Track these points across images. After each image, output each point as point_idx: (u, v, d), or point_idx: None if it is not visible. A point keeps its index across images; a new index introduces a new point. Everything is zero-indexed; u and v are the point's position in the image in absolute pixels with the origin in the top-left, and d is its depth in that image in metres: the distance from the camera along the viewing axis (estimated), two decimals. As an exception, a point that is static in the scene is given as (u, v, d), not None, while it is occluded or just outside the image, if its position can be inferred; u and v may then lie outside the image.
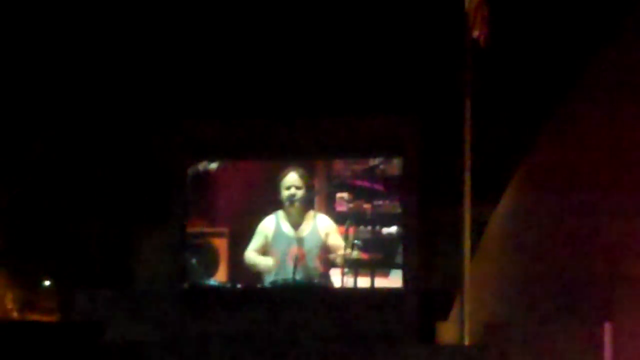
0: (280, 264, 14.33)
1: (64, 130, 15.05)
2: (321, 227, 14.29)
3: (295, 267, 14.26)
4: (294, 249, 14.31)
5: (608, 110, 12.70)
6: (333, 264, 14.22)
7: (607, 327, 12.16)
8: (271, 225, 14.37)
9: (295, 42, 14.53)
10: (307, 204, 14.35)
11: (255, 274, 14.40)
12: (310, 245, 14.29)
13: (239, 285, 14.40)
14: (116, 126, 14.87)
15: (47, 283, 15.68)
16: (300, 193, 14.25)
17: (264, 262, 14.34)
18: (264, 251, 14.36)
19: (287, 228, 14.34)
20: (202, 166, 14.57)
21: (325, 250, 14.24)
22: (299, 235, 14.33)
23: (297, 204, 14.26)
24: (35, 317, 15.30)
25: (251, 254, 14.35)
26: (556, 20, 13.80)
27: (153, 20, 14.65)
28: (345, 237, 14.12)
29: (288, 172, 14.26)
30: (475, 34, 12.67)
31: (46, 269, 15.56)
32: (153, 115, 14.70)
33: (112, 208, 14.96)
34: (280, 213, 14.36)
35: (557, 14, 13.78)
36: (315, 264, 14.27)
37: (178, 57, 14.66)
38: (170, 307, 14.12)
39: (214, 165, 14.57)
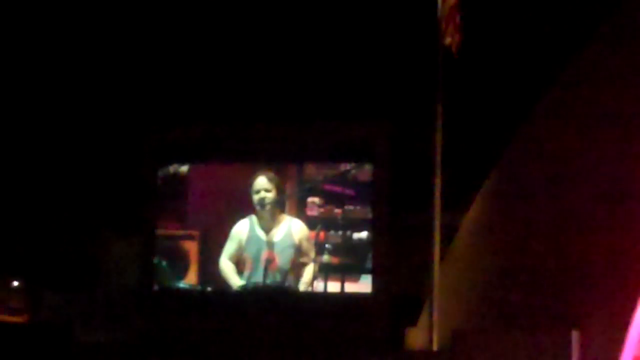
0: (253, 268, 14.29)
1: (33, 132, 15.01)
2: (295, 231, 14.25)
3: (266, 270, 14.22)
4: (266, 253, 14.28)
5: (581, 118, 12.75)
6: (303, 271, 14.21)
7: (575, 335, 12.20)
8: (245, 229, 14.32)
9: (266, 46, 14.55)
10: (279, 208, 14.31)
11: (225, 278, 14.39)
12: (282, 250, 14.26)
13: (209, 288, 14.37)
14: (86, 128, 14.84)
15: (15, 283, 15.62)
16: (270, 196, 14.20)
17: (233, 281, 14.28)
18: (239, 256, 14.31)
19: (260, 232, 14.31)
20: (172, 169, 14.55)
21: (298, 255, 14.21)
22: (270, 239, 14.29)
23: (268, 207, 14.22)
24: (4, 317, 15.23)
25: (224, 265, 14.26)
26: (529, 28, 13.84)
27: (121, 23, 14.64)
28: (316, 242, 14.11)
29: (257, 175, 14.21)
30: (448, 41, 12.68)
31: (15, 270, 15.51)
32: (123, 118, 14.68)
33: (81, 209, 14.94)
34: (254, 217, 14.33)
35: (530, 22, 13.82)
36: (286, 268, 14.23)
37: (148, 60, 14.65)
38: (139, 309, 14.10)
39: (184, 168, 14.56)
